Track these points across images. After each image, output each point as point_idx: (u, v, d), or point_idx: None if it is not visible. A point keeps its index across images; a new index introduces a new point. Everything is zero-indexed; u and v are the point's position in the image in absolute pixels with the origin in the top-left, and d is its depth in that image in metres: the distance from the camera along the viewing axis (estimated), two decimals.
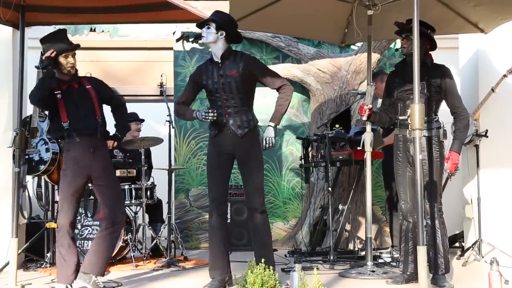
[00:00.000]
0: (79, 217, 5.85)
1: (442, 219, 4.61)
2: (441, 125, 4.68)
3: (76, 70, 4.60)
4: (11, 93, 5.81)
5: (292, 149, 7.46)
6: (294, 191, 7.43)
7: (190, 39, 7.58)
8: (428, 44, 4.69)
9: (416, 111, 3.83)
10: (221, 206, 4.64)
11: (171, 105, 6.81)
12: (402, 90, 4.72)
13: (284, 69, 7.13)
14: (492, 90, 5.82)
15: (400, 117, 4.74)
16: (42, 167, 5.57)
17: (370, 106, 4.93)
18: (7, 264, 5.10)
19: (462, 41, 6.34)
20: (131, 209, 6.26)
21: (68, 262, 4.43)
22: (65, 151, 4.61)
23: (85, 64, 4.63)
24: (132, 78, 9.00)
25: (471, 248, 5.82)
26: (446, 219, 4.65)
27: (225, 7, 5.15)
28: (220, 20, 4.55)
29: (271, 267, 3.42)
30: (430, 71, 4.66)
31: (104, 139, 4.62)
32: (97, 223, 5.77)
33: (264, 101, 6.57)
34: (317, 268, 4.01)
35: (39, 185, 5.94)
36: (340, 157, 6.08)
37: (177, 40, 7.61)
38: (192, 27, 7.43)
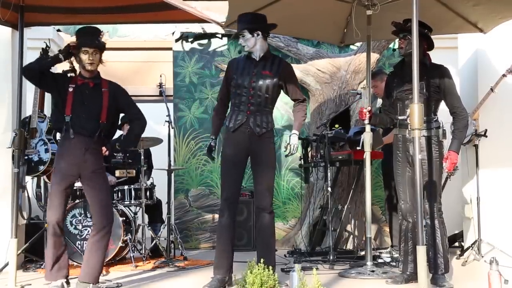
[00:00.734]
0: (79, 218, 5.86)
1: (441, 219, 4.61)
2: (441, 125, 4.68)
3: (98, 72, 4.57)
4: (10, 94, 5.81)
5: None
6: (294, 191, 7.43)
7: (189, 39, 7.59)
8: (426, 44, 4.70)
9: (415, 111, 3.83)
10: (233, 205, 4.65)
11: (170, 105, 6.84)
12: (401, 90, 4.72)
13: None
14: (492, 90, 5.83)
15: (400, 117, 4.75)
16: (42, 168, 5.57)
17: (369, 108, 4.93)
18: (6, 264, 5.10)
19: (461, 41, 6.35)
20: (130, 209, 6.26)
21: (58, 260, 4.43)
22: (58, 146, 4.60)
23: (102, 66, 4.61)
24: (132, 78, 8.99)
25: (471, 247, 5.82)
26: (446, 219, 4.66)
27: (224, 7, 5.15)
28: (249, 24, 4.61)
29: (270, 267, 3.41)
30: (429, 71, 4.66)
31: (101, 144, 4.56)
32: None
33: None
34: (317, 268, 4.03)
35: (38, 186, 5.94)
36: (340, 157, 6.08)
37: (176, 40, 7.61)
38: (191, 27, 7.45)
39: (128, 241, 5.91)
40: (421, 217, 3.83)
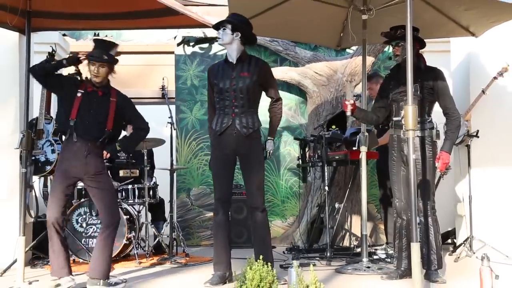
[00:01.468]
0: (84, 216, 5.86)
1: (435, 216, 4.62)
2: (434, 126, 4.69)
3: (108, 82, 4.57)
4: (18, 96, 5.81)
5: (290, 149, 7.47)
6: (292, 190, 7.44)
7: (191, 44, 7.60)
8: (418, 45, 4.71)
9: (409, 112, 3.85)
10: (226, 204, 4.68)
11: (173, 107, 6.84)
12: (397, 92, 4.73)
13: (282, 72, 7.15)
14: (483, 92, 5.83)
15: (395, 118, 4.76)
16: (48, 168, 5.58)
17: (352, 101, 4.91)
18: (15, 261, 5.10)
19: (454, 44, 6.35)
20: (134, 208, 6.27)
21: (57, 255, 4.45)
22: (61, 148, 4.62)
23: (111, 79, 4.62)
24: (135, 81, 9.02)
25: (463, 244, 5.83)
26: (439, 217, 4.66)
27: (224, 13, 5.16)
28: (236, 22, 4.60)
29: (269, 264, 3.42)
30: (424, 74, 4.68)
31: (103, 148, 4.56)
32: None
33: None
34: (314, 265, 4.03)
35: (45, 185, 5.95)
36: (336, 157, 6.08)
37: (178, 45, 7.62)
38: (192, 32, 7.46)
39: (132, 238, 5.93)
40: (415, 214, 3.83)
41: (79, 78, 4.66)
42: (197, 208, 7.44)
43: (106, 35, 7.92)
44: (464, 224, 6.00)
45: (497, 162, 5.95)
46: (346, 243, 6.61)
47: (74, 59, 4.56)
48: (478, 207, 5.88)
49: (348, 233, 6.62)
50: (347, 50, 7.24)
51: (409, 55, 3.93)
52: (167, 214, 6.52)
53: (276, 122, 4.82)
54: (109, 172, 6.46)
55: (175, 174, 6.49)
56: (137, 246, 5.99)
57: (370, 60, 6.78)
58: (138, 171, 6.44)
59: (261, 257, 3.49)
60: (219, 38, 4.65)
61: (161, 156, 6.90)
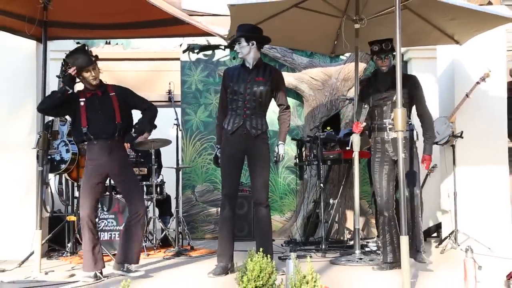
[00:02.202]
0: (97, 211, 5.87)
1: (421, 203, 4.64)
2: (414, 128, 4.73)
3: (101, 80, 4.60)
4: (35, 100, 5.82)
5: (287, 149, 7.45)
6: (290, 187, 7.44)
7: (195, 51, 7.60)
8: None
9: (399, 115, 3.86)
10: (232, 200, 4.68)
11: (178, 110, 6.84)
12: (378, 98, 4.75)
13: None
14: (467, 95, 5.84)
15: (378, 122, 4.77)
16: (63, 166, 5.59)
17: (364, 124, 4.91)
18: (32, 253, 5.11)
19: (440, 51, 6.35)
20: None
21: (89, 252, 4.45)
22: (86, 152, 4.65)
23: (101, 74, 4.63)
24: (143, 86, 9.00)
25: (448, 237, 5.84)
26: (426, 212, 4.68)
27: (226, 22, 5.16)
28: (247, 33, 4.62)
29: (269, 256, 3.43)
30: (403, 80, 4.68)
31: (122, 141, 4.60)
32: (112, 216, 5.78)
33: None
34: (310, 256, 4.04)
35: (60, 183, 5.96)
36: (331, 156, 6.09)
37: (184, 52, 7.62)
38: (197, 40, 7.47)
39: None
40: (404, 210, 3.84)
41: (80, 90, 4.66)
42: (201, 204, 7.45)
43: (117, 43, 7.96)
44: (449, 219, 6.00)
45: (480, 161, 5.96)
46: (340, 236, 6.61)
47: (70, 79, 4.50)
48: (462, 202, 5.88)
49: (341, 227, 6.63)
50: (341, 56, 7.25)
51: (398, 62, 3.95)
52: (173, 210, 6.54)
53: (285, 128, 4.82)
54: None
55: (180, 172, 6.50)
56: (145, 239, 6.00)
57: (362, 66, 6.80)
58: (146, 169, 6.44)
59: (261, 249, 3.50)
60: (238, 52, 4.64)
61: (168, 156, 6.91)
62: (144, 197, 6.22)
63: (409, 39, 5.47)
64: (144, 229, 4.60)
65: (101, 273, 4.49)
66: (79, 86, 4.90)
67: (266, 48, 7.27)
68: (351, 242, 5.85)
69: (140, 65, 8.79)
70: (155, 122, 4.87)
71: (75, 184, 5.87)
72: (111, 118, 4.51)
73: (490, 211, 5.89)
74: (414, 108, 4.84)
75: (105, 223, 5.80)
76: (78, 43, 7.55)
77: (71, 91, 4.55)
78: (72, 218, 5.67)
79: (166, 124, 6.62)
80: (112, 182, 5.12)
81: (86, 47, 4.56)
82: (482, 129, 5.98)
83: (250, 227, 6.80)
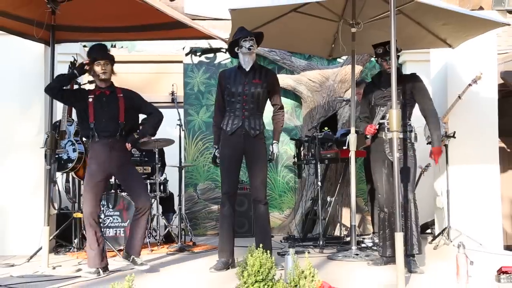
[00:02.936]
0: (102, 208, 5.87)
1: (416, 207, 4.59)
2: (413, 129, 4.71)
3: (112, 82, 4.61)
4: (43, 101, 5.82)
5: (286, 148, 7.48)
6: (288, 185, 7.45)
7: (198, 54, 7.60)
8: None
9: (393, 115, 3.86)
10: (232, 198, 4.69)
11: (181, 111, 6.84)
12: (379, 97, 4.74)
13: (279, 79, 7.11)
14: (459, 97, 5.85)
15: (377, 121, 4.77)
16: (70, 165, 5.59)
17: (377, 126, 4.82)
18: (40, 249, 5.12)
19: (433, 55, 6.36)
20: None
21: (93, 248, 4.46)
22: (89, 149, 4.66)
23: (113, 77, 4.64)
24: (147, 87, 9.01)
25: (441, 233, 5.84)
26: (420, 209, 4.66)
27: (228, 26, 5.17)
28: (255, 37, 4.64)
29: (268, 251, 3.43)
30: (404, 80, 4.69)
31: (124, 141, 4.59)
32: (117, 213, 5.79)
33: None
34: (308, 252, 4.05)
35: (67, 181, 5.95)
36: (328, 155, 6.09)
37: (186, 54, 7.62)
38: (199, 43, 7.47)
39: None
40: (399, 207, 3.85)
41: (91, 88, 4.68)
42: (203, 201, 7.45)
43: (122, 46, 7.96)
44: (442, 216, 6.01)
45: (472, 160, 5.97)
46: (337, 233, 6.61)
47: (81, 67, 4.57)
48: (455, 200, 5.89)
49: (338, 224, 6.63)
50: (338, 59, 7.24)
51: (393, 64, 3.96)
52: (176, 207, 6.53)
53: (279, 128, 4.85)
54: None
55: (183, 171, 6.50)
56: (149, 235, 6.00)
57: (358, 68, 6.79)
58: (150, 168, 6.45)
59: (261, 245, 3.51)
60: (251, 47, 4.59)
61: (171, 155, 6.91)
62: (148, 194, 6.24)
63: (404, 43, 5.47)
64: (147, 224, 4.61)
65: (104, 269, 4.49)
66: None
67: (266, 51, 7.28)
68: (348, 239, 5.85)
69: (144, 68, 8.81)
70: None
71: (82, 182, 5.86)
72: (115, 117, 4.52)
73: (482, 208, 5.90)
74: (414, 110, 4.80)
75: (110, 220, 5.81)
76: (84, 46, 7.61)
77: (78, 76, 4.60)
78: (79, 215, 5.67)
79: (169, 124, 6.62)
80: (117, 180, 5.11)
81: (108, 48, 4.64)
82: (474, 129, 5.99)
83: (250, 224, 6.80)
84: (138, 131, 4.73)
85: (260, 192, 4.63)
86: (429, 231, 6.66)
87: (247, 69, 4.66)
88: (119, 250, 5.26)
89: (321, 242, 5.63)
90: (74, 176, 5.83)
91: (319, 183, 5.99)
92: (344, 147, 5.63)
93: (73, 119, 5.74)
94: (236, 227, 6.53)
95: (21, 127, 5.90)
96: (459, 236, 5.70)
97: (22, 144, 5.86)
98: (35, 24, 4.92)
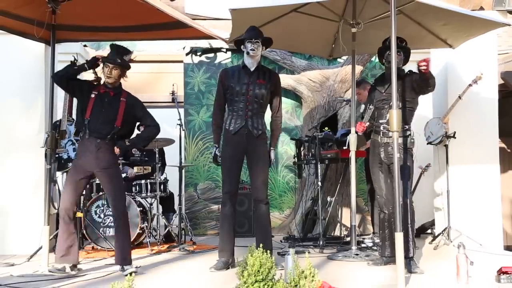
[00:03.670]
0: (102, 208, 5.87)
1: (412, 209, 4.56)
2: (412, 134, 4.67)
3: (120, 85, 4.58)
4: (43, 100, 5.82)
5: (286, 148, 7.48)
6: (289, 185, 7.45)
7: (198, 53, 7.60)
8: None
9: (394, 116, 3.85)
10: (233, 198, 4.68)
11: (182, 111, 6.84)
12: (379, 100, 4.73)
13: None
14: (459, 97, 5.84)
15: (375, 124, 4.76)
16: (70, 165, 5.57)
17: (367, 124, 4.83)
18: (40, 248, 5.11)
19: (433, 55, 6.35)
20: (147, 201, 6.27)
21: (61, 243, 4.44)
22: (78, 144, 4.64)
23: (122, 81, 4.62)
24: (148, 87, 9.01)
25: (441, 234, 5.84)
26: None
27: (228, 26, 5.17)
28: (261, 38, 4.64)
29: (268, 251, 3.43)
30: (404, 78, 4.67)
31: (113, 144, 4.49)
32: None
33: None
34: (309, 252, 4.04)
35: None
36: (328, 155, 6.08)
37: (187, 54, 7.62)
38: (199, 43, 7.47)
39: (145, 228, 5.94)
40: (398, 208, 3.84)
41: (95, 84, 4.66)
42: (203, 201, 7.45)
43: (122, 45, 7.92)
44: (442, 216, 6.01)
45: (472, 160, 5.97)
46: (337, 233, 6.62)
47: (93, 62, 4.57)
48: (455, 200, 5.88)
49: (338, 224, 6.63)
50: (338, 59, 7.24)
51: (394, 63, 3.95)
52: (176, 207, 6.53)
53: (278, 134, 4.90)
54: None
55: (183, 171, 6.50)
56: (149, 235, 6.00)
57: (358, 68, 6.79)
58: (150, 167, 6.45)
59: (261, 245, 3.50)
60: (253, 50, 4.59)
61: (171, 154, 6.91)
62: (148, 194, 6.24)
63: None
64: (127, 230, 4.53)
65: (72, 267, 4.45)
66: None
67: (266, 51, 7.24)
68: (348, 239, 5.85)
69: (144, 67, 8.79)
70: (157, 121, 4.79)
71: None
72: (111, 120, 4.46)
73: (482, 209, 5.90)
74: (414, 112, 4.78)
75: (110, 220, 5.81)
76: (85, 45, 7.61)
77: (88, 70, 4.57)
78: (79, 214, 5.66)
79: (169, 124, 6.62)
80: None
81: (130, 54, 4.63)
82: (474, 129, 5.98)
83: (250, 223, 6.80)
84: (132, 139, 4.67)
85: (261, 192, 4.63)
86: (429, 231, 6.65)
87: (252, 69, 4.65)
88: None
89: (321, 242, 5.63)
90: None
91: (319, 183, 5.98)
92: (344, 147, 5.63)
93: (73, 119, 5.73)
94: (236, 227, 6.60)
95: (21, 127, 5.90)
96: (459, 236, 5.70)
97: (22, 143, 5.85)
98: (35, 23, 4.91)
